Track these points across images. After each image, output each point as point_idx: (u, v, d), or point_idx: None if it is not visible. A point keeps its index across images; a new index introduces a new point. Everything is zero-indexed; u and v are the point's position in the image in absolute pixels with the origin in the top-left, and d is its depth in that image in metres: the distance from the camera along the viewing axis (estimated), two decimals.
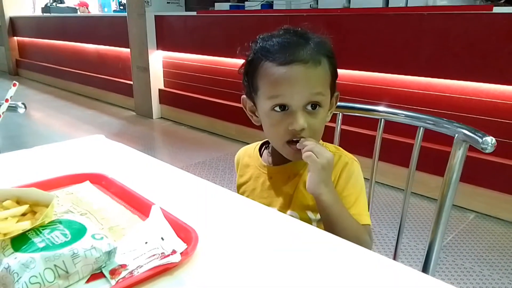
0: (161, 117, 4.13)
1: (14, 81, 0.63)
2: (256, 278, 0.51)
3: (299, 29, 0.81)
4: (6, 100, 0.63)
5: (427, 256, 0.89)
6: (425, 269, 0.89)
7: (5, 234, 0.49)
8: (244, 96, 0.87)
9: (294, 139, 0.78)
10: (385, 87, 2.46)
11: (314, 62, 0.76)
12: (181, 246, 0.54)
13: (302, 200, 0.83)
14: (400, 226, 0.97)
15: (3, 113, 0.63)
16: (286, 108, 0.77)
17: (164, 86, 4.08)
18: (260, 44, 0.80)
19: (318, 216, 0.81)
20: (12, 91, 0.63)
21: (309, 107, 0.77)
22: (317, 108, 0.78)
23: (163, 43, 3.91)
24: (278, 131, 0.79)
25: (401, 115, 0.94)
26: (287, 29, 0.81)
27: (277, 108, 0.78)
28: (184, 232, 0.58)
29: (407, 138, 2.23)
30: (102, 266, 0.50)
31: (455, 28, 2.12)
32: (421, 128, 0.91)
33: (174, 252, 0.52)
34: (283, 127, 0.78)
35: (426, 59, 2.24)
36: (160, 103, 4.10)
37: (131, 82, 4.27)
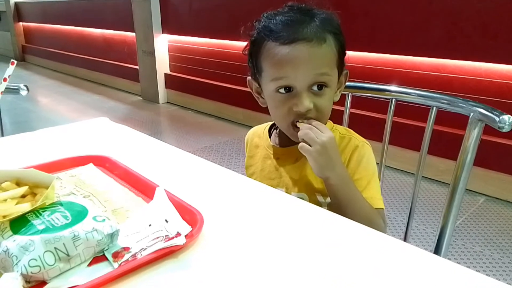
0: (168, 102, 4.10)
1: (12, 60, 0.61)
2: (262, 261, 0.50)
3: (304, 5, 0.78)
4: (4, 79, 0.61)
5: (439, 239, 0.86)
6: (436, 252, 0.87)
7: (4, 216, 0.47)
8: (249, 77, 0.85)
9: (300, 121, 0.75)
10: (395, 69, 2.41)
11: (318, 40, 0.72)
12: (186, 228, 0.53)
13: (310, 182, 0.81)
14: (411, 209, 0.95)
15: (1, 92, 0.61)
16: (291, 89, 0.75)
17: (170, 71, 4.05)
18: (264, 23, 0.77)
19: (329, 199, 0.79)
20: (10, 69, 0.61)
21: (314, 88, 0.74)
22: (323, 88, 0.75)
23: (168, 27, 3.86)
24: (283, 113, 0.76)
25: (414, 95, 0.91)
26: (292, 6, 0.78)
27: (282, 90, 0.75)
28: (189, 214, 0.56)
29: (416, 121, 2.19)
30: (105, 248, 0.49)
31: (467, 7, 2.06)
32: (434, 108, 0.88)
33: (178, 234, 0.50)
34: (287, 108, 0.75)
35: (438, 40, 2.18)
36: (166, 87, 4.07)
37: (137, 67, 4.24)
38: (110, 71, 4.81)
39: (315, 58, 0.73)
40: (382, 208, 0.79)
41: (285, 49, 0.72)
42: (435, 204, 2.05)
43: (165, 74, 4.03)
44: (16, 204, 0.50)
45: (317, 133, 0.72)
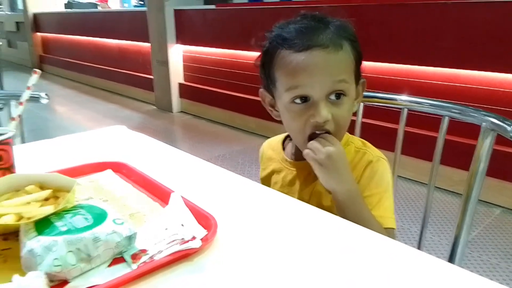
0: (181, 111, 4.15)
1: (35, 69, 0.64)
2: (275, 266, 0.51)
3: (317, 13, 0.75)
4: (28, 88, 0.64)
5: (453, 249, 0.86)
6: (450, 262, 0.86)
7: (28, 218, 0.50)
8: (261, 89, 0.82)
9: (317, 132, 0.72)
10: (407, 79, 2.41)
11: (335, 47, 0.70)
12: (201, 232, 0.54)
13: (320, 199, 0.80)
14: (424, 220, 0.95)
15: (25, 101, 0.64)
16: (308, 99, 0.71)
17: (184, 80, 4.10)
18: (276, 32, 0.75)
19: None
20: (33, 79, 0.63)
21: (332, 97, 0.71)
22: (341, 97, 0.72)
23: (182, 37, 3.92)
24: (299, 125, 0.73)
25: (425, 104, 0.91)
26: (305, 15, 0.75)
27: (297, 100, 0.72)
28: (204, 219, 0.57)
29: (428, 131, 2.18)
30: (123, 250, 0.51)
31: (480, 17, 2.05)
32: (446, 117, 0.88)
33: (194, 238, 0.52)
34: (304, 120, 0.72)
35: (450, 50, 2.17)
36: (180, 97, 4.12)
37: (152, 77, 4.30)
38: (125, 80, 4.90)
39: (332, 65, 0.70)
40: (393, 228, 0.75)
41: (300, 56, 0.69)
42: (449, 215, 2.03)
43: (179, 83, 4.08)
44: (40, 206, 0.52)
45: (324, 143, 0.70)
